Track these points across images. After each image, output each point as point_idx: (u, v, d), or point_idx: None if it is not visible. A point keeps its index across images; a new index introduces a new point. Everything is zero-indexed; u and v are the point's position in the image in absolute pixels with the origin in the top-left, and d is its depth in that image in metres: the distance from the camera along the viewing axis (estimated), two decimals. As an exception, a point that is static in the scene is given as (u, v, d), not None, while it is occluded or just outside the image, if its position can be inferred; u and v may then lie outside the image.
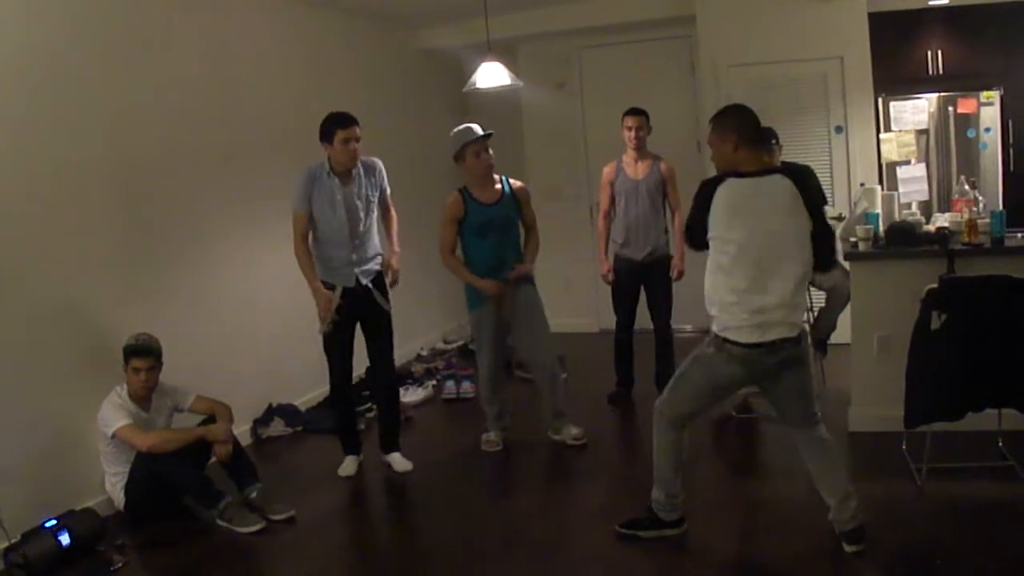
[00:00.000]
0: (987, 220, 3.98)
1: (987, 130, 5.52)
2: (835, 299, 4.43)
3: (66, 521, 3.42)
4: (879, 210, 4.42)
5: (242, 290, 4.79)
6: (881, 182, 5.54)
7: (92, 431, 3.72)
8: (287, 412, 4.98)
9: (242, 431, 4.62)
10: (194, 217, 4.49)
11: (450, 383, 5.50)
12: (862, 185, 5.16)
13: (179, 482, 3.67)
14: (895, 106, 5.63)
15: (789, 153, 4.65)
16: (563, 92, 6.90)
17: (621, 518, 3.32)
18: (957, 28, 5.55)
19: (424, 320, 6.56)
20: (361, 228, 4.01)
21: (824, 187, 4.39)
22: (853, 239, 4.22)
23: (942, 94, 5.58)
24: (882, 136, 5.64)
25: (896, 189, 5.25)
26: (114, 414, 3.63)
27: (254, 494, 3.80)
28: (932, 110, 5.60)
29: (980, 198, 4.54)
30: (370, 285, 4.08)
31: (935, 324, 3.35)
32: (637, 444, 4.26)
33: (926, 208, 5.34)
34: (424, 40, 6.77)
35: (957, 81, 5.56)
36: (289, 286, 4.42)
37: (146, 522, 3.70)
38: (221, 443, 3.79)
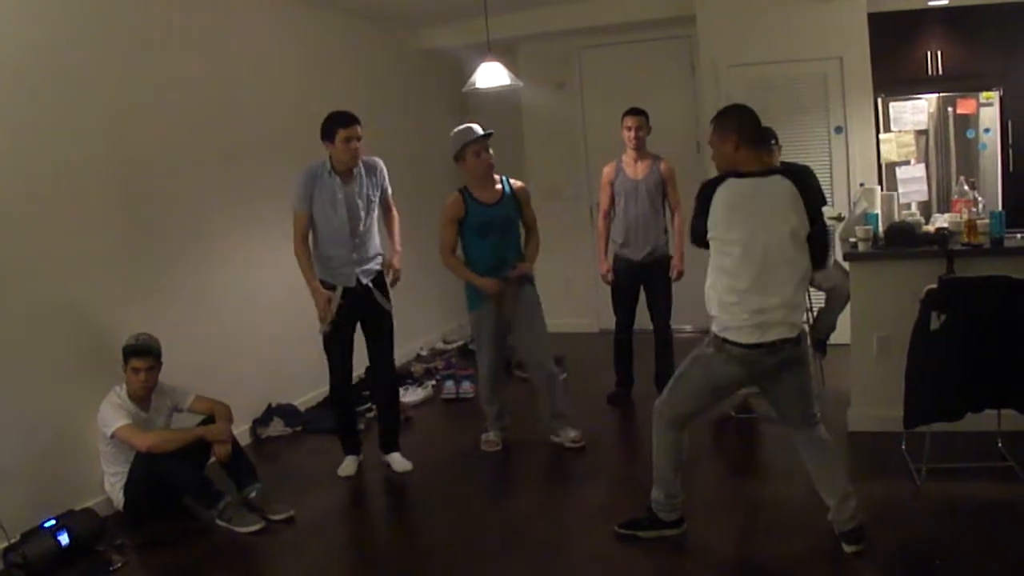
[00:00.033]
0: (986, 221, 3.98)
1: (986, 131, 5.52)
2: (835, 299, 4.44)
3: (65, 521, 3.41)
4: (879, 210, 4.42)
5: (242, 290, 4.79)
6: (881, 182, 5.55)
7: (92, 431, 3.72)
8: (287, 412, 4.98)
9: (242, 431, 4.62)
10: (194, 217, 4.49)
11: (450, 383, 5.50)
12: (862, 185, 5.16)
13: (178, 482, 3.67)
14: (895, 106, 5.64)
15: (789, 153, 4.66)
16: (563, 92, 6.90)
17: (621, 518, 3.32)
18: (957, 29, 5.56)
19: (424, 320, 6.56)
20: (362, 227, 4.01)
21: (824, 187, 4.41)
22: (853, 239, 4.21)
23: (942, 95, 5.58)
24: (882, 136, 5.64)
25: (896, 189, 5.26)
26: (113, 414, 3.63)
27: (253, 494, 3.80)
28: (932, 110, 5.61)
29: (979, 199, 4.54)
30: (370, 285, 4.08)
31: (934, 324, 3.35)
32: (637, 444, 4.26)
33: (925, 208, 5.34)
34: (424, 40, 6.77)
35: (957, 82, 5.56)
36: (289, 286, 4.41)
37: (145, 522, 3.70)
38: (220, 443, 3.79)
